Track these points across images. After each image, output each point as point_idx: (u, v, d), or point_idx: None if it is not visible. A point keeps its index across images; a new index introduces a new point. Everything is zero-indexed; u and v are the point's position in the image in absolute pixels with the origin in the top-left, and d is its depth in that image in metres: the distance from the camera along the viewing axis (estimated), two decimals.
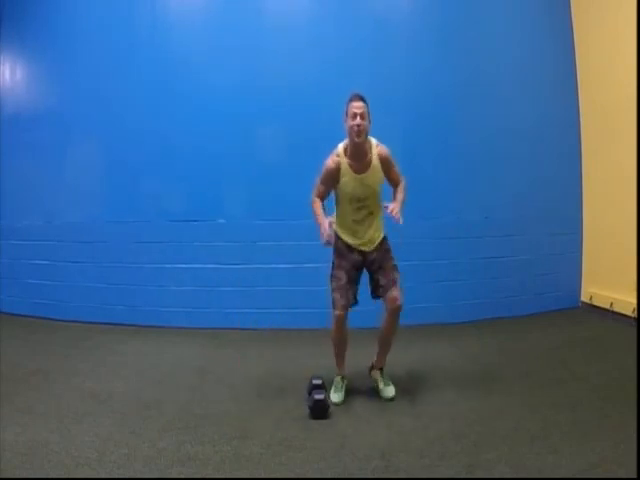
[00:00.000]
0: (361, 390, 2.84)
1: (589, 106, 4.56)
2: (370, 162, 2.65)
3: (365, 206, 2.69)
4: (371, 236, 2.74)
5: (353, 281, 2.74)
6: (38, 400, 2.70)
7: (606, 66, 4.27)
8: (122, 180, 4.40)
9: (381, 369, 2.86)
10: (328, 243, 2.58)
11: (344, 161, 2.65)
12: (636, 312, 3.85)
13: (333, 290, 2.72)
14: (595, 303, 4.40)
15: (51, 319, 4.45)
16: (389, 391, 2.76)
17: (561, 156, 4.63)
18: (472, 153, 4.37)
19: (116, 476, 1.97)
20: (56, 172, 4.57)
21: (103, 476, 1.96)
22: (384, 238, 2.79)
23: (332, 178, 2.67)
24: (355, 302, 2.76)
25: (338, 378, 2.82)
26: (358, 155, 2.64)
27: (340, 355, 2.83)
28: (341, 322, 2.70)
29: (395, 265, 2.76)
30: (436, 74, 4.29)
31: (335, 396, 2.73)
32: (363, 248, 2.74)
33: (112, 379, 3.07)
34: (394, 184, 2.77)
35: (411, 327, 4.02)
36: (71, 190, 4.52)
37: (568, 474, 1.91)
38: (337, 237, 2.75)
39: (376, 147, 2.67)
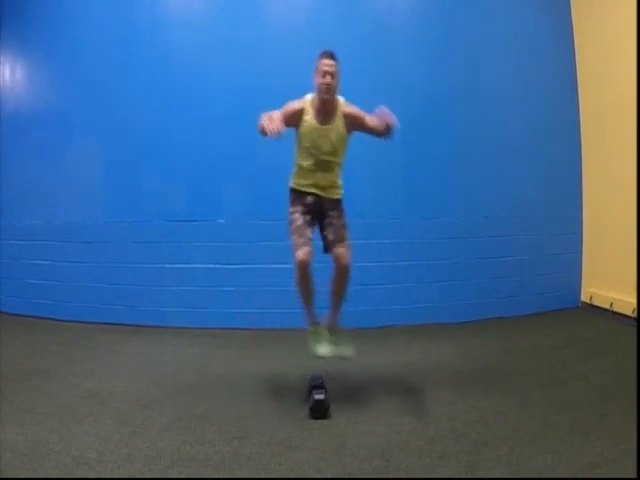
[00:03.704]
0: (361, 390, 2.83)
1: (589, 106, 4.56)
2: (334, 117, 2.61)
3: (325, 161, 2.65)
4: (326, 186, 2.70)
5: (309, 225, 2.66)
6: (38, 400, 2.69)
7: (606, 66, 4.27)
8: (122, 180, 4.40)
9: (331, 330, 2.73)
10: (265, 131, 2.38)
11: (309, 108, 2.62)
12: (636, 312, 3.85)
13: (291, 234, 2.64)
14: (595, 303, 4.40)
15: (51, 319, 4.45)
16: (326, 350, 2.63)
17: (561, 156, 4.63)
18: (472, 153, 4.37)
19: (116, 476, 1.97)
20: (56, 172, 4.56)
21: (103, 476, 1.96)
22: (340, 201, 2.76)
23: (294, 116, 2.59)
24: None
25: (314, 328, 2.72)
26: (324, 111, 2.61)
27: (309, 305, 2.72)
28: (305, 268, 2.56)
29: (346, 225, 2.70)
30: (436, 74, 4.30)
31: (323, 349, 2.62)
32: (315, 191, 2.70)
33: (112, 379, 3.06)
34: (373, 125, 2.55)
35: (411, 327, 4.05)
36: (71, 190, 4.52)
37: (568, 474, 1.90)
38: (291, 189, 2.77)
39: (343, 105, 2.63)
